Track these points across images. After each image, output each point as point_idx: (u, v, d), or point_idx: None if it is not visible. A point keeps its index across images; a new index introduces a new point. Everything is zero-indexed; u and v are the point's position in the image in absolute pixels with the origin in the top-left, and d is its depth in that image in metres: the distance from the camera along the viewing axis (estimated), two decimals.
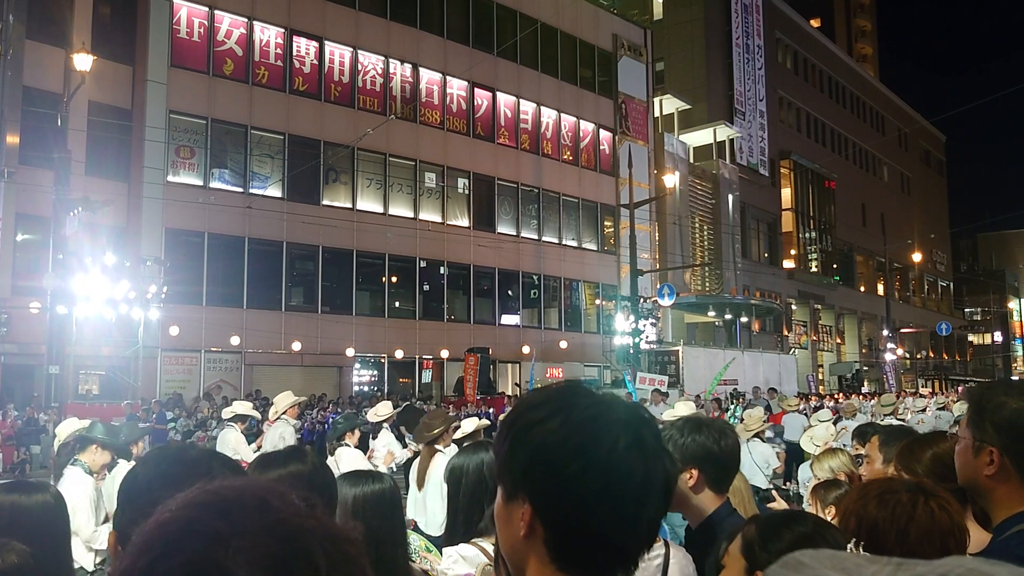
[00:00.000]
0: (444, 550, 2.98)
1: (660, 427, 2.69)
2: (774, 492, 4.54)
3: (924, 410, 16.07)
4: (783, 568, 0.65)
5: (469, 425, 10.04)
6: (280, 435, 9.63)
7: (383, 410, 10.21)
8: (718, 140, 47.14)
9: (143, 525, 0.77)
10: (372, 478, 2.84)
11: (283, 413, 9.97)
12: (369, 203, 31.43)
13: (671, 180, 41.27)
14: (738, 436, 2.92)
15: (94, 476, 6.07)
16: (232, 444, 9.49)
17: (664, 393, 22.08)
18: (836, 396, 36.25)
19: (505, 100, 36.26)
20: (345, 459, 8.23)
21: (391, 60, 32.43)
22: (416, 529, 7.20)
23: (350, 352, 29.70)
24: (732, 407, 23.16)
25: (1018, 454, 1.99)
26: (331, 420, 24.11)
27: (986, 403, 2.06)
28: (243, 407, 10.11)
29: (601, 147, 40.24)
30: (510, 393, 30.80)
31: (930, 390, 39.72)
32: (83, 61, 22.00)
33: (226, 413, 10.04)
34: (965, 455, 2.10)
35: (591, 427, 1.16)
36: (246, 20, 28.86)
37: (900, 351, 57.09)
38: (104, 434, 6.22)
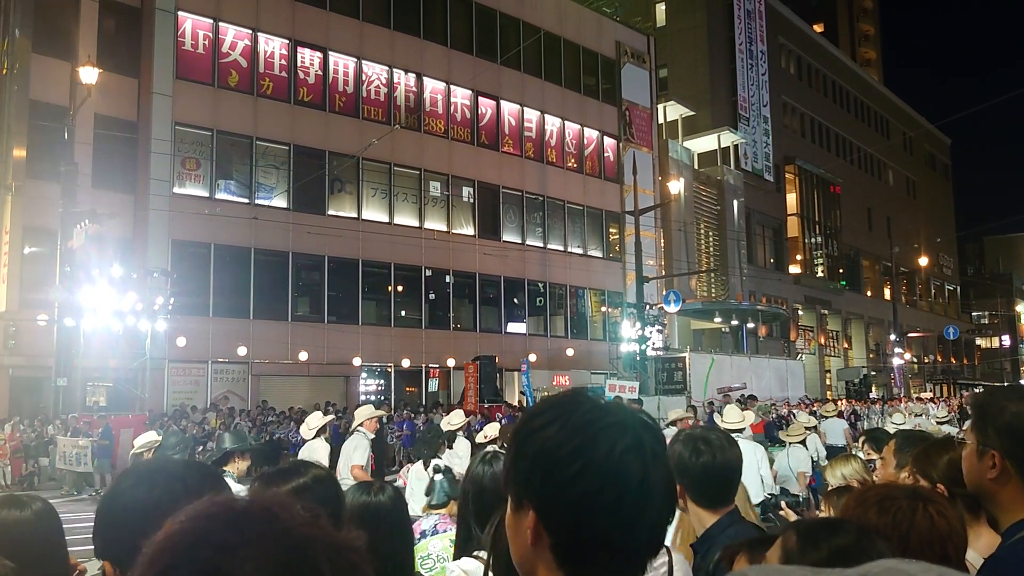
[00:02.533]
0: (447, 565, 3.00)
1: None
2: (781, 500, 4.54)
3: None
4: None
5: (491, 431, 10.31)
6: (355, 446, 9.66)
7: (455, 419, 10.55)
8: (722, 146, 47.14)
9: (152, 537, 0.78)
10: (378, 489, 2.85)
11: (359, 425, 9.94)
12: (374, 213, 31.48)
13: (676, 186, 41.23)
14: (727, 450, 2.85)
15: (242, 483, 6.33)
16: (319, 454, 9.48)
17: (637, 400, 21.61)
18: (840, 400, 36.05)
19: (509, 108, 36.32)
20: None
21: (395, 70, 32.51)
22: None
23: (357, 361, 29.73)
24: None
25: (1019, 458, 2.01)
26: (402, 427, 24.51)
27: (988, 408, 2.09)
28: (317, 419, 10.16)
29: (605, 154, 40.27)
30: (515, 402, 30.78)
31: (930, 394, 38.67)
32: (89, 74, 22.14)
33: (305, 432, 10.00)
34: (970, 459, 2.12)
35: (589, 430, 1.16)
36: (250, 32, 28.98)
37: (907, 355, 56.94)
38: (233, 442, 6.63)
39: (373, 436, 10.14)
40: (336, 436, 17.98)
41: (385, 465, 21.67)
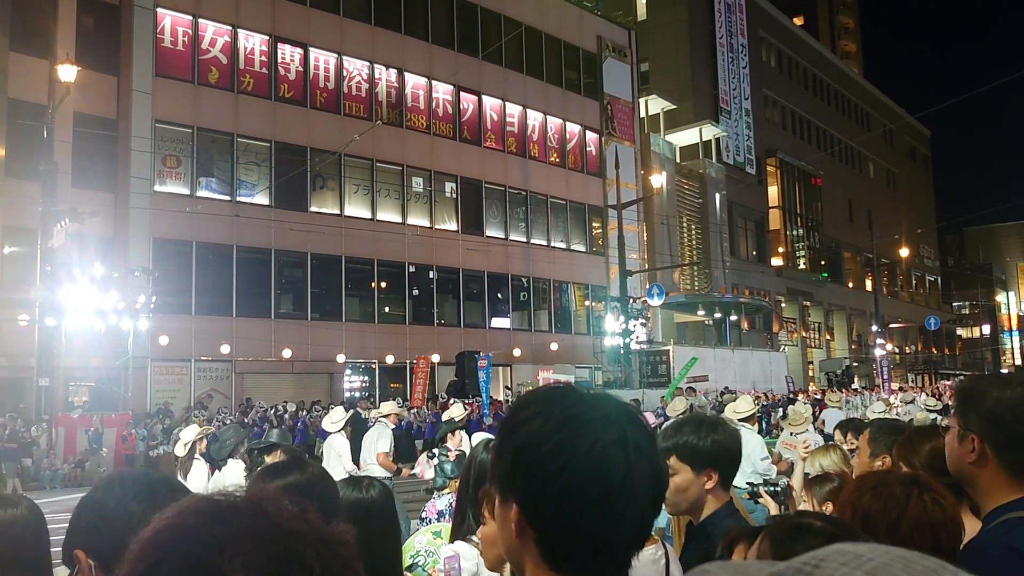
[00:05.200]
0: (442, 548, 3.02)
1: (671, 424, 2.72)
2: (761, 488, 4.57)
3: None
4: None
5: (456, 411, 11.17)
6: (378, 435, 10.90)
7: (456, 411, 11.37)
8: (704, 139, 47.25)
9: (140, 533, 0.79)
10: (368, 485, 2.86)
11: (383, 416, 11.34)
12: (357, 209, 31.39)
13: (658, 180, 41.35)
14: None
15: None
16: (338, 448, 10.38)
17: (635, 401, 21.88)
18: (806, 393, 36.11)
19: (491, 103, 36.27)
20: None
21: (376, 65, 32.40)
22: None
23: (341, 358, 29.64)
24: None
25: (996, 441, 2.03)
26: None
27: (970, 393, 2.13)
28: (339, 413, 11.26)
29: (588, 148, 40.29)
30: (500, 397, 30.80)
31: (899, 384, 37.94)
32: (67, 72, 21.97)
33: (328, 425, 10.74)
34: (952, 444, 2.15)
35: (572, 425, 1.16)
36: (230, 28, 28.81)
37: (889, 346, 57.26)
38: (280, 439, 7.25)
39: (394, 427, 11.43)
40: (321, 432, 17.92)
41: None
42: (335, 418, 10.58)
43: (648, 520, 1.19)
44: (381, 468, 10.56)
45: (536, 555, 1.17)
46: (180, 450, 7.99)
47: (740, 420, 9.45)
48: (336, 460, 10.12)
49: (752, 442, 8.67)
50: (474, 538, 2.89)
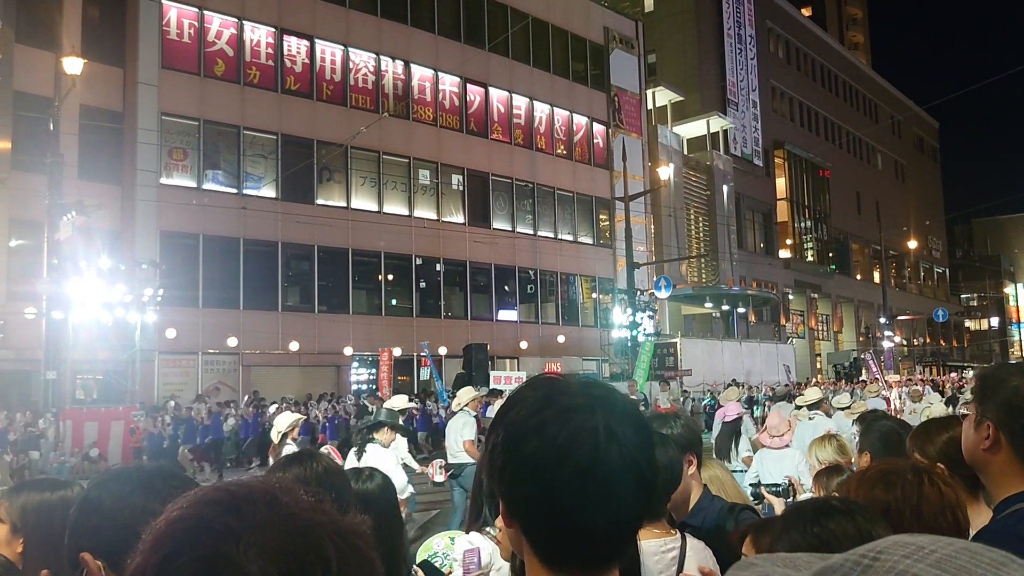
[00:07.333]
0: (456, 539, 3.04)
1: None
2: (763, 489, 4.60)
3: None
4: (736, 570, 0.68)
5: (399, 401, 11.26)
6: (463, 424, 11.48)
7: (464, 397, 12.07)
8: (712, 131, 47.17)
9: (153, 524, 0.77)
10: (367, 476, 2.87)
11: (465, 406, 11.68)
12: (363, 201, 31.41)
13: (665, 172, 41.28)
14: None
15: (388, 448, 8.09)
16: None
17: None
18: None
19: (498, 95, 36.24)
20: None
21: (382, 57, 32.38)
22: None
23: (348, 351, 29.69)
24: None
25: (1011, 429, 2.06)
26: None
27: (990, 380, 2.15)
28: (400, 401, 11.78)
29: (595, 140, 40.24)
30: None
31: (898, 377, 37.36)
32: (73, 64, 21.93)
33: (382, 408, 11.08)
34: (968, 430, 2.18)
35: (543, 413, 1.16)
36: (236, 20, 28.80)
37: (897, 338, 57.18)
38: (388, 418, 8.17)
39: (476, 415, 11.84)
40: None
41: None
42: (396, 405, 10.72)
43: (626, 510, 1.15)
44: (468, 455, 11.08)
45: (527, 546, 1.17)
46: (275, 436, 8.30)
47: (810, 408, 9.71)
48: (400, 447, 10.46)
49: (826, 426, 8.97)
50: (489, 530, 2.90)
